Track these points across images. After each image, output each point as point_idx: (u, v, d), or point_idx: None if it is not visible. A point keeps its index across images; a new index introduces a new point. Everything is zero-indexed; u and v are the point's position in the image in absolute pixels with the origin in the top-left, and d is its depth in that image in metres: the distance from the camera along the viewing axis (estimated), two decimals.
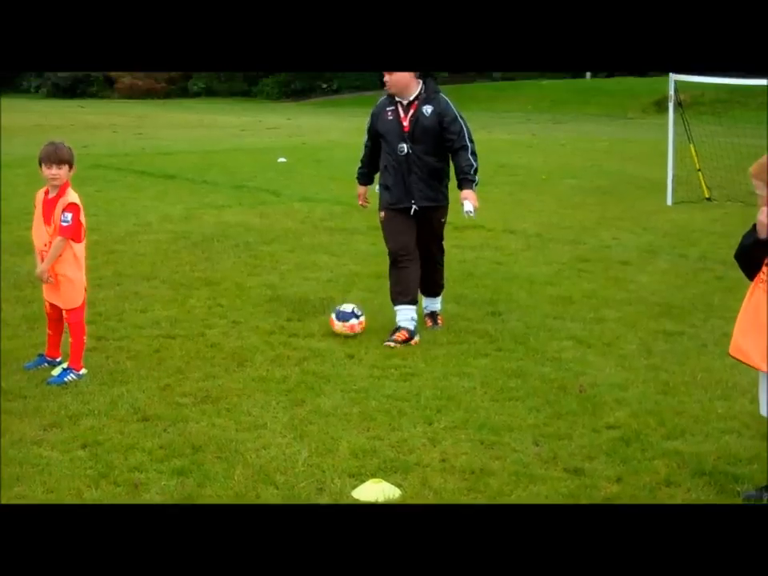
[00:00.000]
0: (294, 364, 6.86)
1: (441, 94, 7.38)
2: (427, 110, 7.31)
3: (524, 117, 42.00)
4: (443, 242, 7.81)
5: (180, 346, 7.24)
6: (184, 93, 62.27)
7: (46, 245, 6.36)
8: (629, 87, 48.26)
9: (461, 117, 7.36)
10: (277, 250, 11.07)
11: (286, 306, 8.46)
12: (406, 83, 7.29)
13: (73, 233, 6.35)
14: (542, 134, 31.21)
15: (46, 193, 6.42)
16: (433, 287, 7.83)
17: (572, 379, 6.60)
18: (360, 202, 8.11)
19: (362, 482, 4.89)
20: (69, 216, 6.31)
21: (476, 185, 7.44)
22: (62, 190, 6.35)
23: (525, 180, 18.41)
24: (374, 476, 4.96)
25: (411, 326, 7.37)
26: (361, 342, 7.27)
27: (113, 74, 61.81)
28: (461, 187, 7.37)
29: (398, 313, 7.43)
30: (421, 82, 7.36)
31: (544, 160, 22.36)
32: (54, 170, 6.29)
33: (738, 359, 4.85)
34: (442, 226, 7.67)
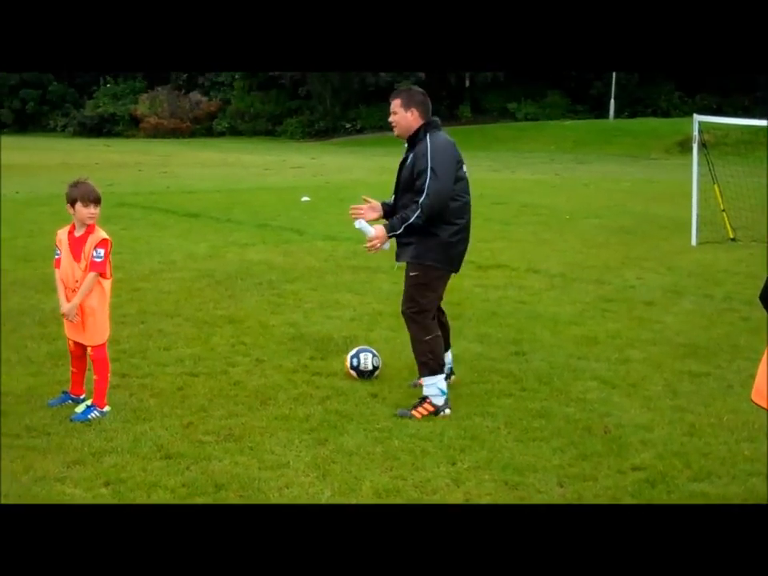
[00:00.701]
0: (317, 402, 6.86)
1: (428, 137, 6.53)
2: (409, 158, 6.66)
3: (547, 157, 42.10)
4: (416, 307, 6.72)
5: (203, 384, 7.26)
6: (209, 132, 62.82)
7: (77, 281, 6.42)
8: (652, 128, 48.32)
9: (433, 169, 6.43)
10: (300, 288, 11.11)
11: (309, 344, 8.47)
12: (402, 124, 6.66)
13: (104, 268, 6.44)
14: (566, 174, 31.26)
15: (71, 231, 6.48)
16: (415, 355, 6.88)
17: (597, 420, 6.58)
18: None
19: None
20: (102, 252, 6.41)
21: (391, 235, 6.63)
22: (90, 228, 6.44)
23: (548, 220, 18.41)
24: None
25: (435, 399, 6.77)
26: (384, 381, 7.27)
27: (138, 113, 62.58)
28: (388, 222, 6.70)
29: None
30: (420, 124, 6.62)
31: (567, 200, 22.36)
32: (92, 209, 6.39)
33: (759, 405, 4.74)
34: (411, 282, 6.72)
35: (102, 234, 6.46)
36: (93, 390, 6.56)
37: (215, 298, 10.40)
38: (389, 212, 6.97)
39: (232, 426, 6.35)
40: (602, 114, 55.38)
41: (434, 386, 6.71)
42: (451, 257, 6.74)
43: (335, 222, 17.61)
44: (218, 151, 44.92)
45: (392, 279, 11.55)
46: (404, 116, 6.64)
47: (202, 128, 63.15)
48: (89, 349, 6.54)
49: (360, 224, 6.81)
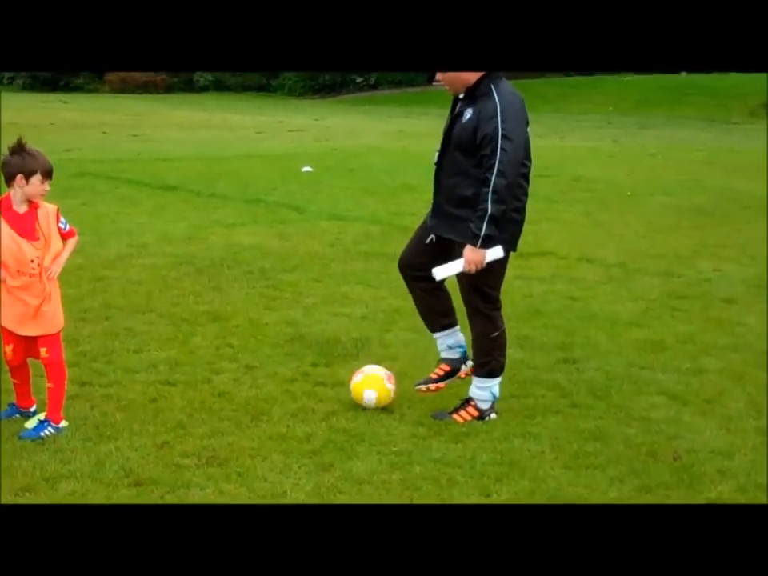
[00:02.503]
0: (321, 419, 6.87)
1: (495, 92, 6.45)
2: (467, 113, 6.57)
3: (604, 120, 42.02)
4: (486, 299, 6.85)
5: (181, 395, 7.27)
6: (189, 86, 62.93)
7: (33, 260, 6.46)
8: (733, 85, 48.16)
9: (505, 135, 6.36)
10: (300, 278, 11.12)
11: (311, 347, 8.48)
12: (456, 79, 6.60)
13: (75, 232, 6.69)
14: (626, 141, 31.20)
15: (7, 208, 6.49)
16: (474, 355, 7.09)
17: (664, 444, 6.56)
18: None
19: None
20: (64, 220, 6.58)
21: (483, 242, 6.47)
22: (35, 202, 6.48)
23: (605, 197, 18.38)
24: None
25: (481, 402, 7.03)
26: (403, 394, 7.27)
27: None
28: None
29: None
30: (481, 74, 6.52)
31: (628, 173, 22.32)
32: (47, 185, 6.46)
33: None
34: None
35: (50, 204, 6.57)
36: (46, 402, 6.58)
37: (196, 290, 10.42)
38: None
39: (216, 447, 6.34)
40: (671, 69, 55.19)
41: (488, 390, 6.91)
42: (515, 235, 6.82)
43: (343, 197, 17.63)
44: (200, 110, 45.01)
45: None
46: None
47: (180, 81, 63.25)
48: (42, 350, 6.55)
49: (440, 274, 6.67)
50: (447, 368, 7.25)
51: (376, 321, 9.43)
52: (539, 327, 9.27)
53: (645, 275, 11.74)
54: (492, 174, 6.37)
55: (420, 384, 7.21)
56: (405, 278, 7.21)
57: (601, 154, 26.70)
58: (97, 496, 5.61)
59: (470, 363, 7.25)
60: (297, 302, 10.13)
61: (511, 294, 10.33)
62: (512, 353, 8.31)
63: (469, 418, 6.87)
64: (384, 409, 6.98)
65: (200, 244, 12.96)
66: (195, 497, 5.63)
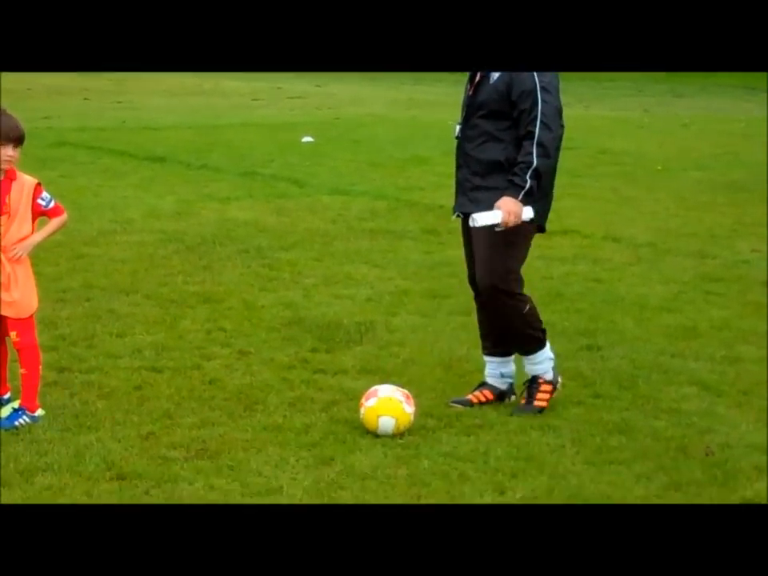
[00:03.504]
0: (320, 409, 6.88)
1: None
2: (494, 75, 6.64)
3: (634, 87, 41.87)
4: (510, 277, 6.90)
5: (168, 383, 7.29)
6: None
7: None
8: None
9: (544, 87, 6.51)
10: (299, 257, 11.13)
11: (311, 332, 8.49)
12: None
13: (62, 209, 6.64)
14: (657, 111, 31.11)
15: None
16: (506, 340, 7.17)
17: (695, 438, 6.56)
18: None
19: None
20: (47, 196, 6.53)
21: (526, 194, 6.57)
22: (11, 172, 6.45)
23: (633, 171, 18.33)
24: None
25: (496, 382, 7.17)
26: (410, 382, 7.27)
27: None
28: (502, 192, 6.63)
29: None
30: None
31: (660, 145, 22.27)
32: (12, 151, 6.41)
33: None
34: (494, 242, 6.72)
35: (30, 177, 6.53)
36: (20, 389, 6.60)
37: (185, 270, 10.42)
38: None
39: (206, 439, 6.36)
40: None
41: (547, 359, 7.03)
42: (546, 207, 6.94)
43: (347, 170, 17.62)
44: (191, 75, 44.90)
45: (422, 247, 11.56)
46: None
47: None
48: (12, 334, 6.55)
49: (475, 221, 6.59)
50: (491, 396, 7.11)
51: (381, 303, 9.43)
52: (560, 311, 9.26)
53: (676, 256, 11.72)
54: (535, 126, 6.50)
55: (455, 403, 7.06)
56: (474, 292, 7.17)
57: (630, 125, 26.62)
58: (76, 491, 5.62)
59: (513, 398, 7.21)
60: (295, 282, 10.13)
61: (530, 275, 10.27)
62: None
63: (549, 396, 6.98)
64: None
65: (190, 220, 12.95)
66: (183, 492, 5.64)
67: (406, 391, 6.71)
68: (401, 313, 9.11)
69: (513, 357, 7.21)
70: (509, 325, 6.94)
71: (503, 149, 6.66)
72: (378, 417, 6.51)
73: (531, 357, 7.03)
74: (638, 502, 5.67)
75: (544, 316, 8.88)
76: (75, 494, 5.59)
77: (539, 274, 10.26)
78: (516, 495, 5.72)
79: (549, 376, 7.02)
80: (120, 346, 8.04)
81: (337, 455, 6.18)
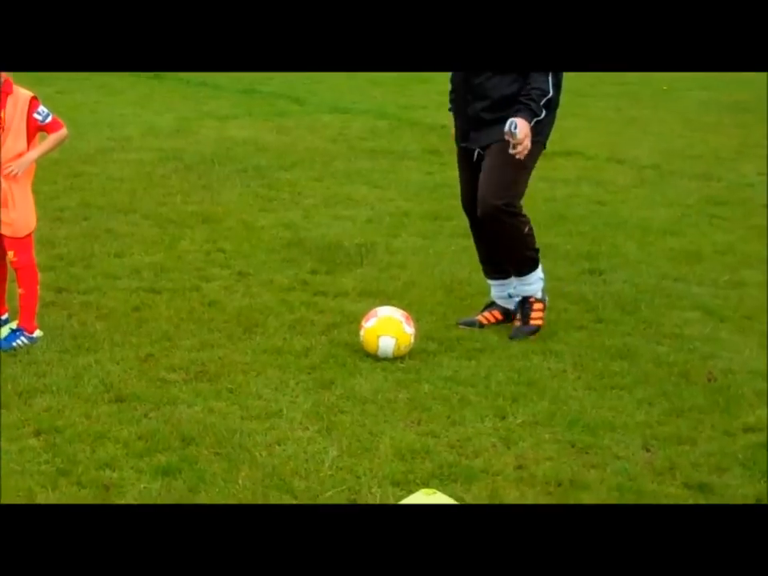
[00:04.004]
0: (320, 332, 6.89)
1: None
2: None
3: None
4: (513, 198, 6.87)
5: (167, 304, 7.29)
6: None
7: None
8: None
9: None
10: (299, 177, 11.09)
11: (311, 253, 8.48)
12: None
13: (61, 123, 6.56)
14: None
15: None
16: (505, 262, 7.21)
17: (698, 363, 6.57)
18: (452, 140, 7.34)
19: (410, 492, 4.88)
20: (44, 110, 6.45)
21: (536, 118, 6.62)
22: (7, 85, 6.37)
23: (638, 91, 18.22)
24: (425, 485, 4.96)
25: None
26: (411, 305, 7.26)
27: None
28: (514, 114, 6.58)
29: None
30: None
31: None
32: None
33: None
34: (504, 163, 6.70)
35: (25, 91, 6.45)
36: (18, 309, 6.60)
37: (184, 189, 10.39)
38: None
39: (205, 361, 6.38)
40: None
41: (538, 280, 7.06)
42: (552, 126, 6.99)
43: (348, 88, 17.49)
44: None
45: (424, 167, 11.52)
46: None
47: None
48: (10, 254, 6.53)
49: (515, 127, 6.53)
50: (500, 317, 7.17)
51: (382, 225, 9.41)
52: (563, 234, 9.25)
53: (681, 178, 11.67)
54: None
55: (464, 325, 7.09)
56: (471, 219, 7.16)
57: None
58: (74, 413, 5.65)
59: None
60: (295, 203, 10.11)
61: (533, 197, 10.25)
62: None
63: (542, 314, 7.04)
64: None
65: (189, 138, 12.88)
66: (182, 415, 5.67)
67: (405, 313, 6.71)
68: (402, 234, 9.09)
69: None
70: (509, 245, 6.93)
71: (513, 80, 6.64)
72: (378, 337, 6.52)
73: (525, 278, 7.03)
74: (639, 427, 5.70)
75: (546, 239, 8.92)
76: (74, 415, 5.62)
77: (542, 196, 10.23)
78: (517, 420, 5.76)
79: (539, 295, 7.06)
80: (118, 266, 8.03)
81: (337, 378, 6.20)
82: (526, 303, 7.04)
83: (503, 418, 5.79)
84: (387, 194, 10.53)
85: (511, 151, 6.54)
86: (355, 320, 6.97)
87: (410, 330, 6.59)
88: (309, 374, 6.26)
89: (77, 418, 5.60)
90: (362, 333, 6.60)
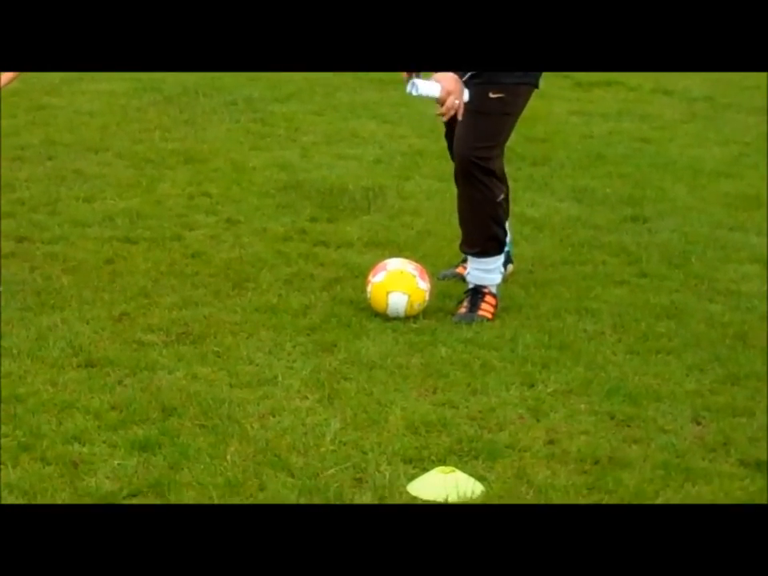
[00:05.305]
0: (321, 288, 6.89)
1: None
2: None
3: None
4: (492, 151, 6.65)
5: (144, 256, 7.30)
6: None
7: None
8: None
9: None
10: (296, 111, 11.09)
11: (310, 198, 8.48)
12: None
13: None
14: None
15: None
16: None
17: (756, 324, 6.57)
18: None
19: (424, 470, 4.93)
20: None
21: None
22: None
23: None
24: (442, 463, 4.99)
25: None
26: (425, 258, 7.27)
27: None
28: None
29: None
30: None
31: None
32: None
33: None
34: (488, 110, 6.54)
35: None
36: None
37: (164, 124, 10.39)
38: None
39: (188, 321, 6.39)
40: None
41: (498, 270, 6.76)
42: None
43: None
44: None
45: None
46: None
47: None
48: None
49: (416, 87, 6.33)
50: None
51: (392, 165, 9.41)
52: (601, 176, 9.23)
53: (737, 112, 11.67)
54: None
55: (446, 275, 7.11)
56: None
57: None
58: (38, 379, 5.65)
59: (510, 267, 7.15)
60: (292, 140, 10.11)
61: (565, 133, 10.26)
62: (566, 207, 8.33)
63: (493, 310, 6.64)
64: None
65: None
66: (162, 382, 5.67)
67: (419, 266, 6.70)
68: (414, 177, 9.08)
69: (508, 223, 7.05)
70: (476, 211, 6.66)
71: None
72: (388, 293, 6.51)
73: (484, 260, 6.70)
74: (689, 397, 5.70)
75: (582, 181, 8.93)
76: (37, 382, 5.62)
77: (577, 133, 10.21)
78: (547, 388, 5.75)
79: (495, 289, 6.74)
80: (88, 212, 8.03)
81: (340, 341, 6.20)
82: (478, 293, 6.71)
83: (531, 386, 5.80)
84: (398, 129, 10.52)
85: (436, 112, 6.45)
86: (361, 274, 6.99)
87: (424, 285, 6.58)
88: (308, 335, 6.26)
89: (41, 385, 5.60)
90: (368, 289, 6.59)
